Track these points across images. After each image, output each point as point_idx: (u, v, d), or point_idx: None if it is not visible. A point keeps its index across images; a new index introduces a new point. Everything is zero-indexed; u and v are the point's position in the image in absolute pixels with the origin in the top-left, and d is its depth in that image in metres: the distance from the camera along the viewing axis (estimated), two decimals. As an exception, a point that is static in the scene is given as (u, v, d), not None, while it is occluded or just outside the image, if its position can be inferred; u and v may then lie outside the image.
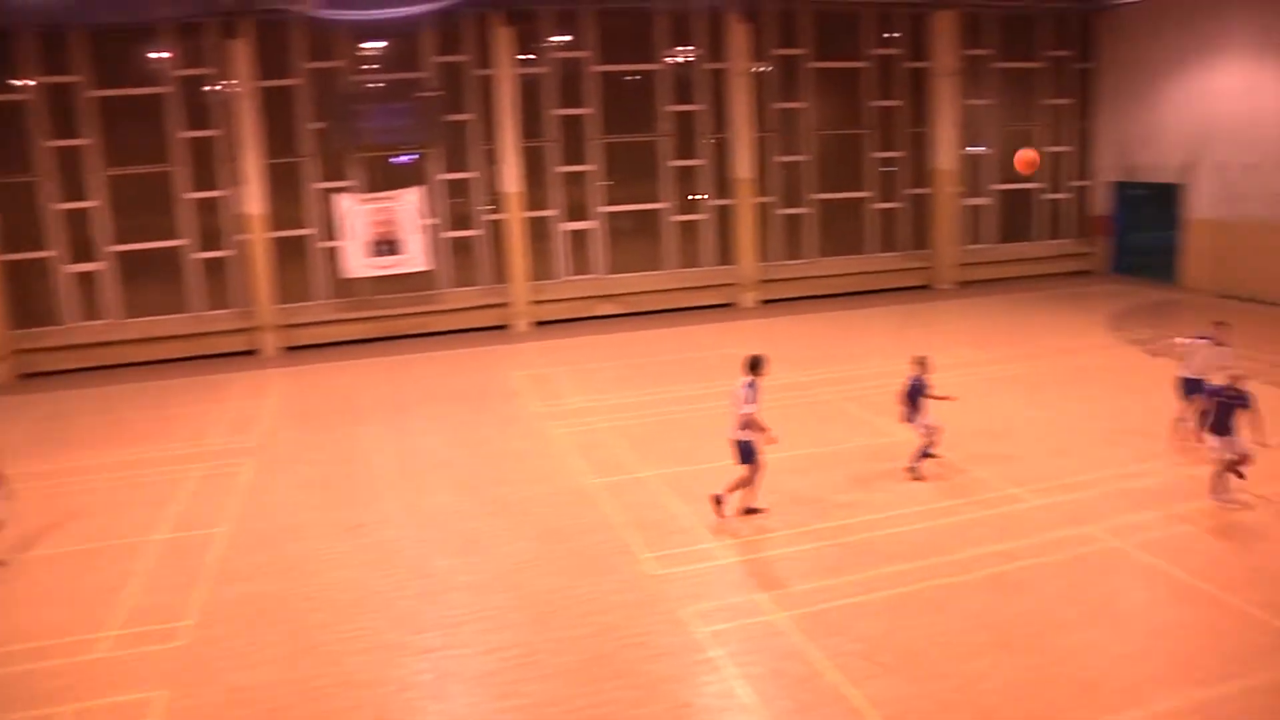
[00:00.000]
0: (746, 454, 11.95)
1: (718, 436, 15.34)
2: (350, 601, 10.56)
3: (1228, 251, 26.06)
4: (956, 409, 14.74)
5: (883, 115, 28.54)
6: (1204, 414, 12.11)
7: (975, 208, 29.68)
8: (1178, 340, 14.58)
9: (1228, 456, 11.97)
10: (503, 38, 24.01)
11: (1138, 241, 30.30)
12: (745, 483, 12.11)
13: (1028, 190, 30.20)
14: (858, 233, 28.87)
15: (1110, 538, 11.38)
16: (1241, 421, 11.87)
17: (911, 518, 12.18)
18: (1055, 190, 30.49)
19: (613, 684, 8.73)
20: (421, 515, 12.95)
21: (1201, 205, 26.65)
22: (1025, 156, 10.65)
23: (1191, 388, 13.82)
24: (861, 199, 28.73)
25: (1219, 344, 13.96)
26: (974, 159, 29.51)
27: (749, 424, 11.82)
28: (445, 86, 24.50)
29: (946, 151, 28.24)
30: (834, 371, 19.33)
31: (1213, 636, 9.25)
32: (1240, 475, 12.19)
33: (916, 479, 13.27)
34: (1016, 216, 30.35)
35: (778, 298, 27.20)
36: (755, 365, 11.99)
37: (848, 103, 28.35)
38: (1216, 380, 12.93)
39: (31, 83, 22.40)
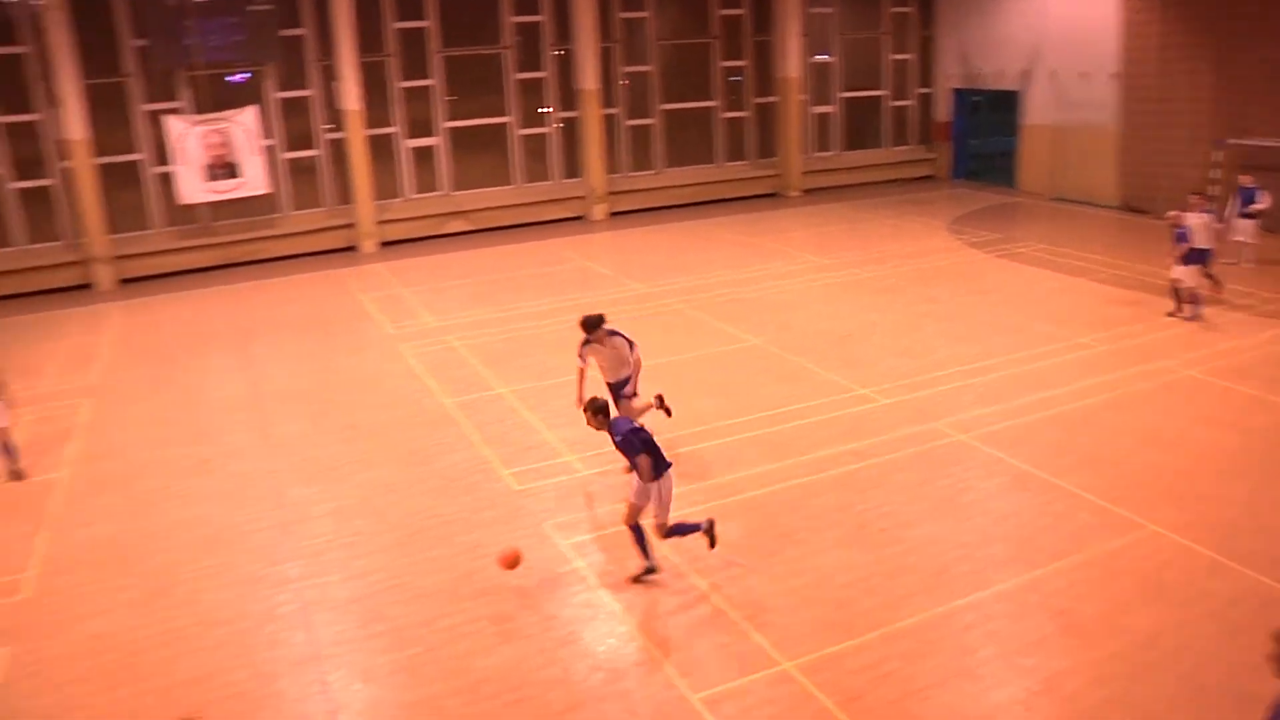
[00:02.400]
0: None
1: (569, 351, 15.45)
2: (203, 538, 10.29)
3: (1061, 156, 27.12)
4: (803, 314, 15.03)
5: (728, 24, 28.51)
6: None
7: (822, 115, 30.08)
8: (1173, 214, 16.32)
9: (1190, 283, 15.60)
10: (334, -53, 22.98)
11: (978, 147, 31.32)
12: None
13: (873, 98, 30.73)
14: (705, 142, 28.97)
15: (955, 432, 11.91)
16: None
17: (764, 422, 12.48)
18: (899, 97, 31.11)
19: (480, 601, 8.78)
20: (273, 446, 12.66)
21: (1037, 111, 27.57)
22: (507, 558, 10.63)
23: (1195, 257, 15.72)
24: (708, 108, 28.79)
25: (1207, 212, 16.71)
26: (820, 67, 29.82)
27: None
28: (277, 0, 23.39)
29: (792, 60, 28.44)
30: (683, 281, 19.50)
31: (1048, 519, 9.82)
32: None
33: None
34: (862, 124, 30.91)
35: (627, 209, 27.18)
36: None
37: (693, 12, 28.23)
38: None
39: None
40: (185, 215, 23.48)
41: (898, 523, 9.85)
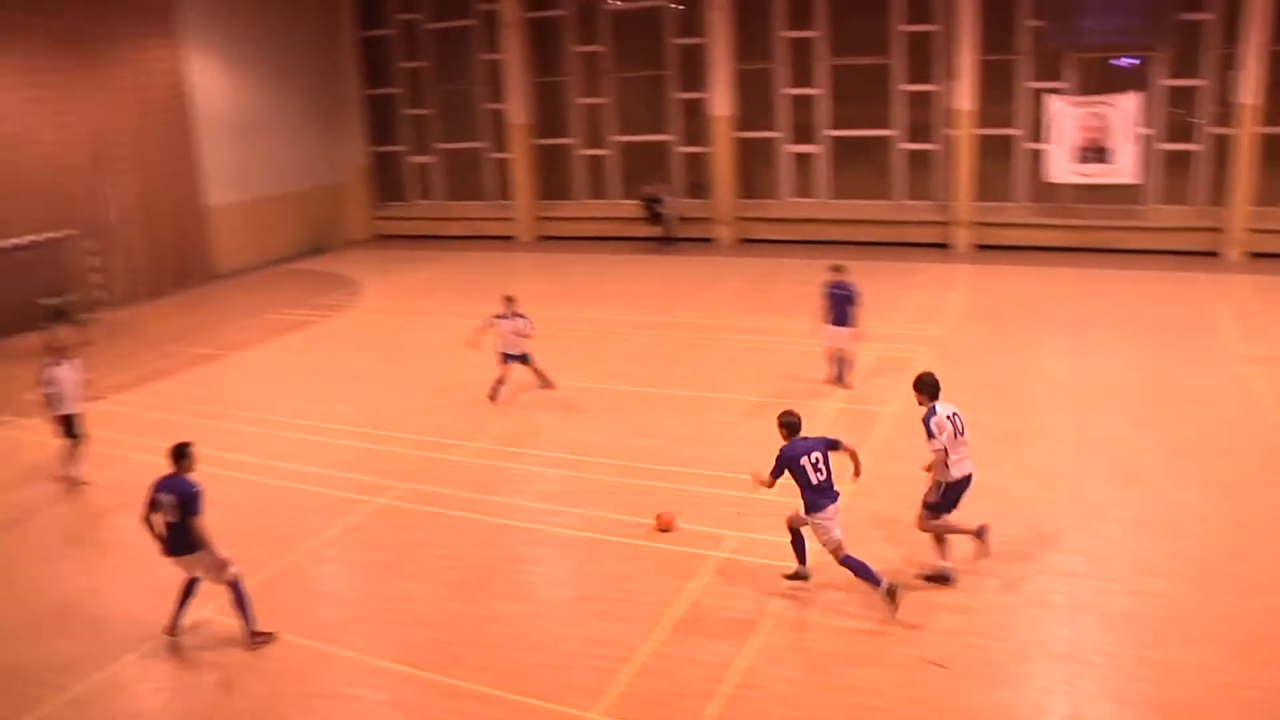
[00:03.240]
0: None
1: None
2: (997, 505, 10.47)
3: None
4: None
5: None
6: None
7: None
8: None
9: None
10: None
11: None
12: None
13: None
14: None
15: None
16: None
17: None
18: None
19: (1265, 670, 7.88)
20: (1085, 437, 12.58)
21: None
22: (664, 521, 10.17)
23: None
24: None
25: None
26: None
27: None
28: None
29: None
30: None
31: None
32: None
33: None
34: None
35: None
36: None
37: None
38: None
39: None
40: (1047, 193, 23.91)
41: None
